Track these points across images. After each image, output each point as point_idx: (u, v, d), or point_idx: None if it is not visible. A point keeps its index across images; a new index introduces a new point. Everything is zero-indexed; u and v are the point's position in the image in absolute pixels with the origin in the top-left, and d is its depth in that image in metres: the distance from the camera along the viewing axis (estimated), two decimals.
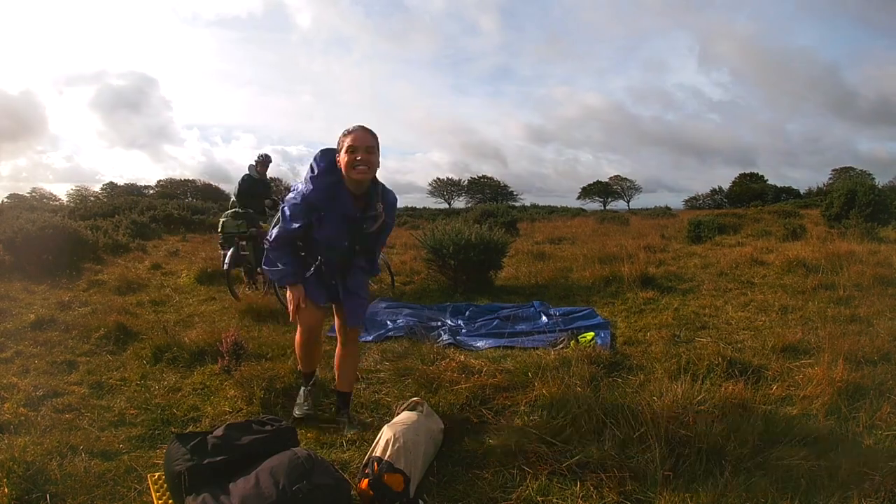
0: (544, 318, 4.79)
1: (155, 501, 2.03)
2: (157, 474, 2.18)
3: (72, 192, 47.27)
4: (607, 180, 63.11)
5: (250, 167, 6.56)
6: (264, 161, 6.64)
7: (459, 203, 63.02)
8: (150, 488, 2.10)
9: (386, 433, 2.21)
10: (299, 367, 2.90)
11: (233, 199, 6.59)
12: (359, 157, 2.37)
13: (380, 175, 2.56)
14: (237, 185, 6.51)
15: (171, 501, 2.00)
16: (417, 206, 45.43)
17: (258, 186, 6.52)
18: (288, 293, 2.63)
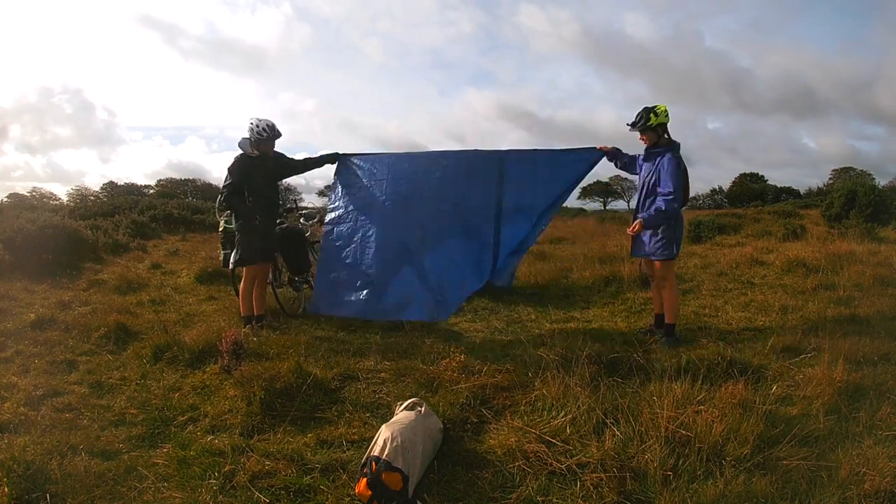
0: None
1: None
2: None
3: (72, 191, 47.24)
4: (607, 180, 63.08)
5: (242, 142, 4.39)
6: (266, 133, 4.33)
7: None
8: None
9: (384, 432, 2.21)
10: None
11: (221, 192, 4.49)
12: None
13: None
14: (229, 167, 4.38)
15: None
16: None
17: (257, 170, 4.39)
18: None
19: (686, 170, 3.89)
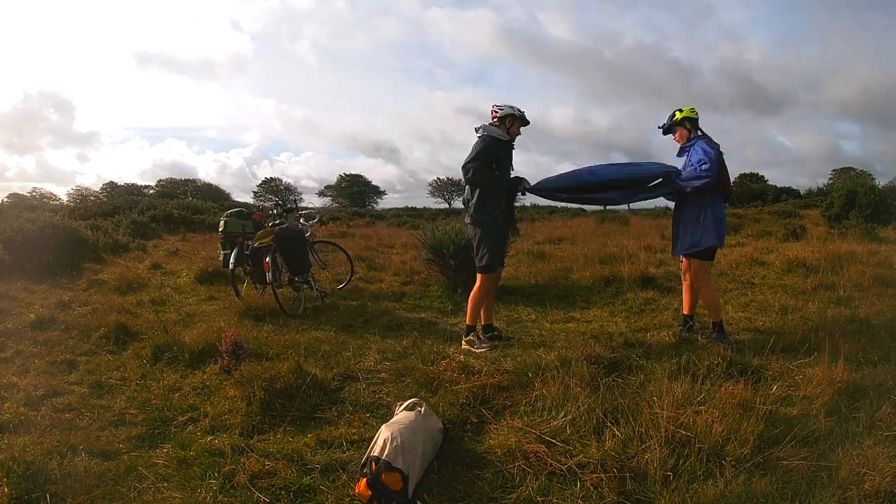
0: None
1: None
2: None
3: (72, 191, 47.39)
4: None
5: (489, 128, 3.96)
6: (521, 112, 4.04)
7: (459, 203, 62.85)
8: (150, 484, 2.10)
9: (384, 433, 2.21)
10: None
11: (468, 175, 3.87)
12: None
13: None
14: (477, 149, 3.86)
15: None
16: (418, 206, 45.34)
17: (506, 157, 4.04)
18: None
19: (722, 156, 3.83)
